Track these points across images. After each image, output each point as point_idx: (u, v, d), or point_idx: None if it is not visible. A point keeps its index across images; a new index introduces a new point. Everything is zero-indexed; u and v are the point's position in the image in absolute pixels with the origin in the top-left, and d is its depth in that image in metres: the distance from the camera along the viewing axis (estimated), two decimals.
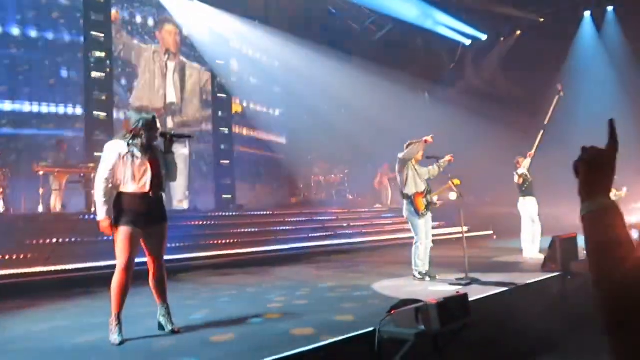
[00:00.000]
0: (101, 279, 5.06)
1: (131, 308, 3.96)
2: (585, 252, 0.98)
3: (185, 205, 11.51)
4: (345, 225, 11.62)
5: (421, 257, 6.24)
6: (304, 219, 11.36)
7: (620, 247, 0.93)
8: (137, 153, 3.86)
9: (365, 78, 13.91)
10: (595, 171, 1.01)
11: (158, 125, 4.05)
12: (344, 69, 13.62)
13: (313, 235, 10.34)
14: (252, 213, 11.30)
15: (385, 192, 14.84)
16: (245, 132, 13.91)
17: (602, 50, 15.24)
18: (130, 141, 3.88)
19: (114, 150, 3.85)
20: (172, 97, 11.84)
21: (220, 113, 12.63)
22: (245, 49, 13.57)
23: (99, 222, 3.82)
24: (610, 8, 15.25)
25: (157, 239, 3.96)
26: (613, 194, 9.27)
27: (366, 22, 15.11)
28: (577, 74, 15.04)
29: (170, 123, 11.76)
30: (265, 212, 11.38)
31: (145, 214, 3.86)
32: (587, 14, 15.75)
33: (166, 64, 11.70)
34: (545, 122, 8.48)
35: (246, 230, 9.86)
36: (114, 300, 3.77)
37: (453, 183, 6.34)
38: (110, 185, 3.81)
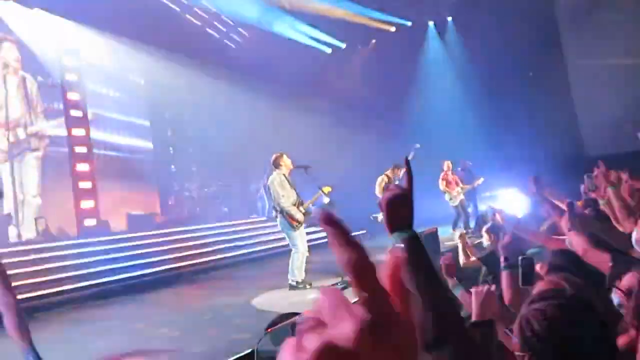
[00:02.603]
0: None
1: None
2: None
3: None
4: (221, 239, 11.33)
5: (298, 266, 6.30)
6: (176, 237, 10.84)
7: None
8: None
9: (230, 88, 13.75)
10: (397, 207, 1.13)
11: None
12: (208, 80, 13.34)
13: (187, 254, 9.90)
14: (119, 236, 10.51)
15: (260, 201, 14.78)
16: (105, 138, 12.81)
17: (446, 58, 16.79)
18: None
19: None
20: (17, 110, 10.73)
21: (73, 130, 11.53)
22: (99, 60, 12.66)
23: None
24: (449, 18, 16.86)
25: None
26: (460, 188, 10.35)
27: (229, 31, 14.97)
28: (427, 81, 16.40)
29: (22, 135, 10.67)
30: (133, 234, 10.65)
31: None
32: (431, 23, 17.23)
33: (5, 79, 10.58)
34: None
35: (112, 256, 9.12)
36: None
37: (323, 191, 6.49)
38: None
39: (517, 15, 14.41)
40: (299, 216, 6.34)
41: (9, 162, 10.30)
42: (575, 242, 2.83)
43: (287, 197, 6.35)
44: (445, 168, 10.38)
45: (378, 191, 8.96)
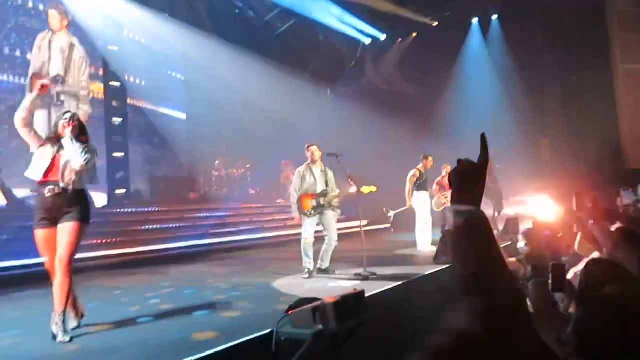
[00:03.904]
0: None
1: None
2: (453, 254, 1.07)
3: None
4: (246, 221, 11.43)
5: (304, 253, 6.33)
6: (203, 215, 10.98)
7: (487, 257, 1.02)
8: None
9: (267, 72, 13.76)
10: (467, 182, 1.08)
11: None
12: (246, 62, 13.36)
13: (213, 232, 10.03)
14: (147, 210, 10.70)
15: (289, 187, 14.83)
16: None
17: (487, 56, 16.39)
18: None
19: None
20: (56, 68, 11.06)
21: (111, 100, 11.74)
22: (140, 37, 12.85)
23: None
24: (495, 17, 16.42)
25: (62, 238, 3.77)
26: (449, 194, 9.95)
27: (269, 15, 14.94)
28: (465, 77, 16.07)
29: (54, 91, 11.04)
30: (161, 209, 10.83)
31: (53, 210, 3.78)
32: (475, 20, 16.82)
33: (50, 41, 10.98)
34: None
35: (140, 227, 9.33)
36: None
37: (363, 192, 6.36)
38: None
39: (565, 18, 13.95)
40: (307, 207, 6.40)
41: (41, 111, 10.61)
42: (603, 235, 2.66)
43: (299, 190, 6.49)
44: (443, 173, 9.80)
45: (408, 185, 8.83)
